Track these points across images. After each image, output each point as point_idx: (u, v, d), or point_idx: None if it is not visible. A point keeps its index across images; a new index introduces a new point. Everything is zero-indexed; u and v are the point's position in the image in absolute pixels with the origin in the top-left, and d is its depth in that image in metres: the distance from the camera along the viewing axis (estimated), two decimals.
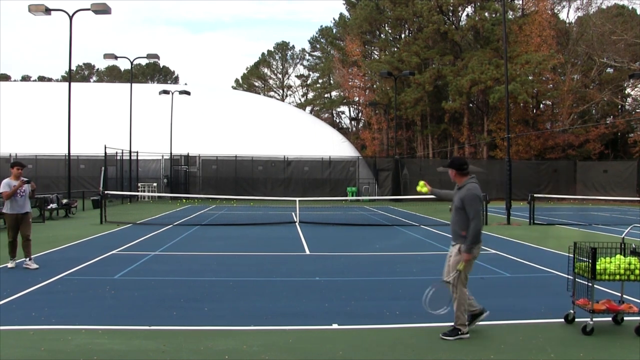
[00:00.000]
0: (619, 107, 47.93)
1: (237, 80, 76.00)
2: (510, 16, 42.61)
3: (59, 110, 33.33)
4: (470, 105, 46.61)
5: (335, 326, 6.20)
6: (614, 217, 23.31)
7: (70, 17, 23.18)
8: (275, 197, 31.00)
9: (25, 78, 76.35)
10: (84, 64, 79.38)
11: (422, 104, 44.85)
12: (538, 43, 40.44)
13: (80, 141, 29.97)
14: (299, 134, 39.41)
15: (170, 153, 34.31)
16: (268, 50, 72.78)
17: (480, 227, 5.75)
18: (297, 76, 73.18)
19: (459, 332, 5.73)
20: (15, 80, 70.16)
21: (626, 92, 47.13)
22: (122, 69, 73.84)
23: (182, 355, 5.17)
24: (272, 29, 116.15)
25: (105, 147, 25.68)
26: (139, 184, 33.13)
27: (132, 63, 32.79)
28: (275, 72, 73.26)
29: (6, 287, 7.84)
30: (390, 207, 29.25)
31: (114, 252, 11.58)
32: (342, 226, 18.60)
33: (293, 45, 74.47)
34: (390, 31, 52.67)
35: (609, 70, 45.61)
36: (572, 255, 6.27)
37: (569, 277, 6.36)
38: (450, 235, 6.11)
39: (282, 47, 71.91)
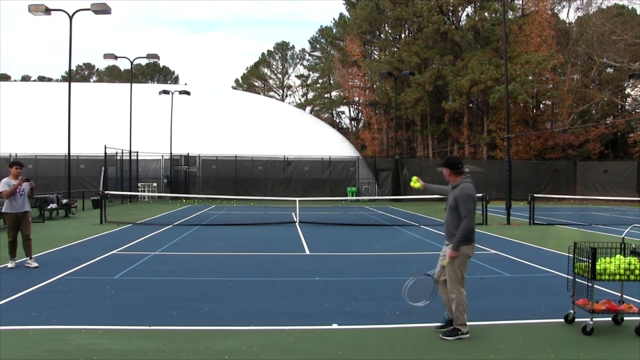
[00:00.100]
0: (619, 107, 47.93)
1: (237, 80, 76.06)
2: (510, 16, 42.60)
3: (59, 110, 33.33)
4: (470, 105, 46.61)
5: (335, 326, 6.20)
6: (614, 217, 23.32)
7: (70, 17, 23.18)
8: (275, 197, 31.00)
9: (25, 78, 76.38)
10: (84, 64, 79.44)
11: (422, 104, 44.84)
12: (538, 43, 40.44)
13: (80, 141, 29.97)
14: (299, 134, 39.41)
15: (170, 153, 34.32)
16: (268, 50, 72.87)
17: (472, 226, 5.72)
18: (297, 76, 73.28)
19: (459, 332, 5.72)
20: (15, 80, 70.18)
21: (626, 92, 47.15)
22: (122, 69, 73.89)
23: (182, 355, 5.17)
24: (272, 29, 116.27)
25: (105, 147, 25.69)
26: (139, 184, 33.13)
27: (132, 63, 32.80)
28: (275, 72, 73.29)
29: (6, 287, 7.84)
30: (390, 207, 29.25)
31: (114, 252, 11.58)
32: (342, 226, 18.60)
33: (293, 45, 74.58)
34: (390, 31, 52.67)
35: (609, 70, 45.61)
36: (572, 255, 6.27)
37: (569, 277, 6.36)
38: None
39: (282, 47, 71.92)
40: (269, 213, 23.63)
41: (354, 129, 65.11)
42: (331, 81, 62.67)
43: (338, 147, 39.10)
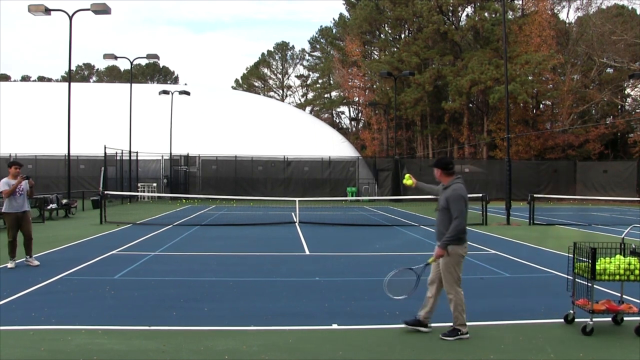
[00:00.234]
0: (619, 107, 47.94)
1: (237, 81, 76.05)
2: (510, 16, 42.61)
3: (58, 110, 33.31)
4: (470, 105, 46.61)
5: (335, 326, 6.20)
6: (613, 217, 23.32)
7: (70, 17, 23.18)
8: (275, 197, 31.00)
9: (25, 78, 76.38)
10: (83, 64, 79.45)
11: (422, 104, 44.85)
12: (538, 43, 40.45)
13: (80, 141, 29.96)
14: (299, 134, 39.41)
15: (170, 153, 34.32)
16: (268, 51, 72.87)
17: (464, 227, 5.72)
18: (297, 76, 73.29)
19: (459, 332, 5.73)
20: (15, 80, 70.19)
21: (626, 92, 47.15)
22: (122, 69, 73.91)
23: (182, 355, 5.17)
24: (272, 29, 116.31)
25: (105, 147, 25.69)
26: (139, 184, 33.13)
27: (132, 63, 32.80)
28: (275, 72, 73.29)
29: (6, 287, 7.84)
30: (390, 207, 29.26)
31: (113, 252, 11.58)
32: (342, 226, 18.60)
33: (293, 46, 74.67)
34: (390, 31, 52.67)
35: (609, 70, 45.61)
36: (572, 256, 6.27)
37: (569, 277, 6.36)
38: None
39: (282, 47, 71.92)
40: (269, 213, 23.63)
41: (354, 129, 65.13)
42: (331, 81, 62.67)
43: (338, 147, 39.10)
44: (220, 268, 9.91)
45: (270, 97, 66.14)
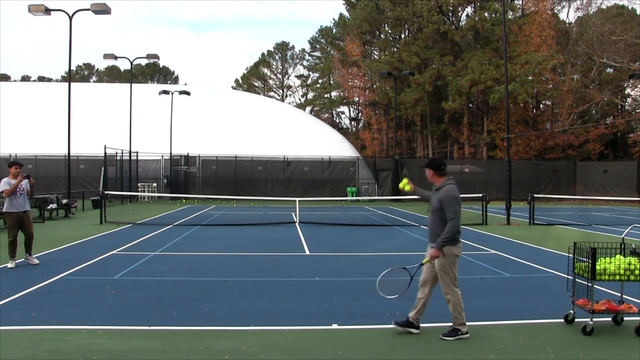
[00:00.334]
0: (619, 107, 47.94)
1: (237, 81, 76.07)
2: (510, 16, 42.61)
3: (59, 110, 33.32)
4: (470, 105, 46.61)
5: (335, 326, 6.20)
6: (613, 217, 23.32)
7: (70, 17, 23.18)
8: (275, 197, 31.01)
9: (25, 78, 76.38)
10: (83, 64, 79.47)
11: (422, 104, 44.85)
12: (538, 43, 40.45)
13: (80, 141, 29.97)
14: (298, 134, 39.41)
15: (170, 153, 34.32)
16: (268, 51, 72.89)
17: (459, 228, 5.71)
18: (297, 76, 73.30)
19: (459, 332, 5.72)
20: (15, 80, 70.19)
21: (626, 92, 47.15)
22: (122, 69, 73.91)
23: (182, 355, 5.17)
24: (272, 29, 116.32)
25: (105, 147, 25.69)
26: (139, 184, 33.13)
27: (132, 63, 32.80)
28: (275, 72, 73.30)
29: (6, 287, 7.84)
30: (390, 207, 29.26)
31: (113, 252, 11.58)
32: (342, 226, 18.60)
33: (293, 46, 74.62)
34: (390, 31, 52.68)
35: (609, 70, 45.61)
36: (572, 256, 6.27)
37: (569, 277, 6.36)
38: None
39: (282, 47, 71.92)
40: (269, 213, 23.63)
41: (354, 129, 65.13)
42: (331, 81, 62.67)
43: (338, 147, 39.09)
44: (220, 268, 9.91)
45: (270, 97, 66.14)
